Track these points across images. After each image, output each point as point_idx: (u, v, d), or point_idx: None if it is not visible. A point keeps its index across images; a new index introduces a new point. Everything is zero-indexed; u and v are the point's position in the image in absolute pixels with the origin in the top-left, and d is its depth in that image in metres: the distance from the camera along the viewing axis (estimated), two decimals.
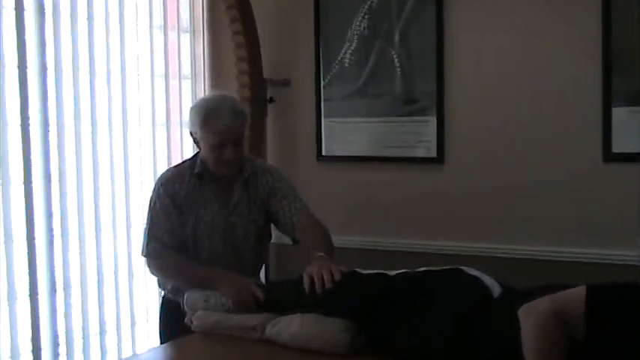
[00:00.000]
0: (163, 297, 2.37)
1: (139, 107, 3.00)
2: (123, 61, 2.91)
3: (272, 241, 2.44)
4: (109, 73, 2.85)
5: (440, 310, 1.75)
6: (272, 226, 2.34)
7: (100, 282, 2.82)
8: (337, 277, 1.93)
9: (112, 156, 2.87)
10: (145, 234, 2.24)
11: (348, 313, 1.88)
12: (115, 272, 2.88)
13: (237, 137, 2.16)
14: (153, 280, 2.54)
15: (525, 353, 1.51)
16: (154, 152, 3.06)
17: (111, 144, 2.87)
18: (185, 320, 2.09)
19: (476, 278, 1.87)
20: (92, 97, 2.79)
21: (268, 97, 3.18)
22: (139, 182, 2.98)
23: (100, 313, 2.82)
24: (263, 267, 2.61)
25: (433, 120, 2.91)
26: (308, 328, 1.88)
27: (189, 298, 2.10)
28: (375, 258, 2.94)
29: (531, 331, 1.50)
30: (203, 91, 3.28)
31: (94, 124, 2.80)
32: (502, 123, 2.81)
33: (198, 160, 2.23)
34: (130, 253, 2.92)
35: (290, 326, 1.90)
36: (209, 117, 2.13)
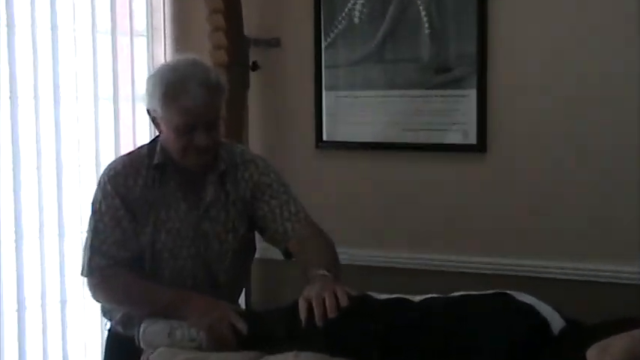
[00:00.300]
0: (109, 330, 2.37)
1: (75, 74, 2.99)
2: (53, 12, 2.88)
3: (256, 255, 2.43)
4: (34, 26, 2.82)
5: (485, 351, 1.75)
6: (256, 235, 2.34)
7: (20, 310, 2.80)
8: (344, 303, 1.90)
9: (38, 141, 2.85)
10: (85, 246, 2.23)
11: (359, 352, 1.85)
12: (42, 297, 2.88)
13: (211, 118, 2.15)
14: (95, 308, 2.54)
15: None
16: (97, 135, 3.05)
17: (37, 124, 2.84)
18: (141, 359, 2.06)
19: (530, 307, 1.86)
20: (11, 59, 2.74)
21: (251, 63, 3.18)
22: (75, 175, 2.98)
23: (20, 351, 2.80)
24: (243, 291, 2.62)
25: (472, 94, 2.90)
26: None
27: (148, 331, 2.08)
28: (392, 278, 2.92)
29: None
30: (163, 53, 3.28)
31: (13, 96, 2.76)
32: (565, 100, 2.80)
33: (158, 147, 2.23)
34: (62, 270, 2.92)
35: None
36: (173, 90, 2.11)
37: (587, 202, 2.82)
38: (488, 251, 2.93)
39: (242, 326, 2.04)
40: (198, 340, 2.06)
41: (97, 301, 2.31)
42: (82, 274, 2.25)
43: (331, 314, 1.90)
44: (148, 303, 2.17)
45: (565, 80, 2.82)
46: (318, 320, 1.90)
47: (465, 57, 2.91)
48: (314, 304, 1.92)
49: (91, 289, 2.25)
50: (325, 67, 3.13)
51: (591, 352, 1.57)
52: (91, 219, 2.24)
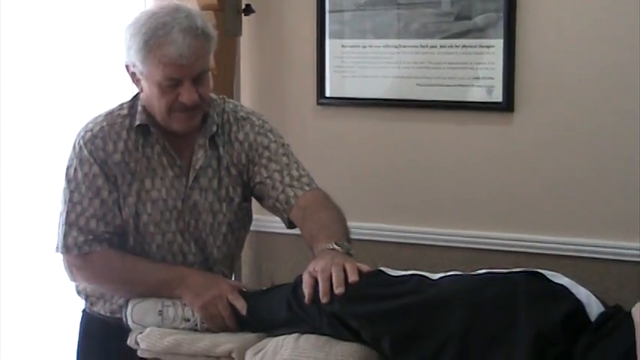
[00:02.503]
0: (84, 311, 2.39)
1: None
2: None
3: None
4: None
5: (510, 342, 1.78)
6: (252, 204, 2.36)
7: None
8: (353, 277, 1.91)
9: None
10: (60, 220, 2.22)
11: (369, 334, 1.88)
12: None
13: (198, 69, 2.13)
14: (65, 286, 2.52)
15: None
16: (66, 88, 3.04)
17: None
18: (128, 342, 2.10)
19: (563, 288, 1.89)
20: None
21: (243, 6, 3.17)
22: (40, 134, 2.96)
23: None
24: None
25: (499, 45, 2.90)
26: (306, 355, 1.88)
27: (136, 309, 2.13)
28: (402, 254, 3.00)
29: None
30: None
31: None
32: (606, 54, 2.79)
33: (139, 107, 2.23)
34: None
35: (280, 352, 1.91)
36: (155, 39, 2.10)
37: (627, 172, 2.81)
38: (511, 225, 2.96)
39: (241, 305, 2.08)
40: (193, 320, 2.12)
41: (75, 281, 2.31)
42: (56, 251, 2.24)
43: (338, 289, 1.90)
44: (135, 282, 2.20)
45: (607, 31, 2.80)
46: (323, 296, 1.91)
47: (491, 1, 2.89)
48: (319, 279, 1.93)
49: (67, 269, 2.25)
50: (329, 11, 3.11)
51: (637, 307, 1.64)
52: (65, 189, 2.23)
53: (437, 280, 1.98)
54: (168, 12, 2.13)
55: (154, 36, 2.10)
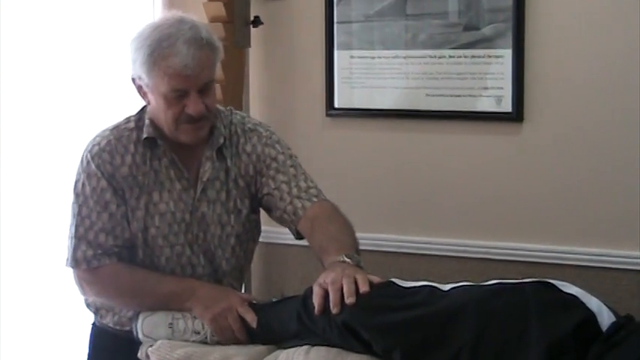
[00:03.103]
0: (94, 324, 2.38)
1: None
2: None
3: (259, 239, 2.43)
4: None
5: (521, 353, 1.77)
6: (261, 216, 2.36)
7: None
8: (364, 288, 1.91)
9: None
10: (69, 234, 2.23)
11: (380, 345, 1.87)
12: None
13: (203, 80, 2.14)
14: (74, 299, 2.51)
15: None
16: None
17: None
18: (139, 354, 2.10)
19: (574, 298, 1.87)
20: None
21: (252, 18, 3.18)
22: (42, 139, 2.93)
23: None
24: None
25: (508, 55, 2.89)
26: None
27: (147, 321, 2.13)
28: (411, 265, 3.00)
29: None
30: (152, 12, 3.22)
31: None
32: (616, 63, 2.78)
33: (147, 120, 2.23)
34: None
35: None
36: (159, 50, 2.11)
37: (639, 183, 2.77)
38: (520, 236, 2.95)
39: (251, 318, 2.08)
40: (203, 333, 2.12)
41: (85, 295, 2.32)
42: (67, 265, 2.25)
43: (349, 299, 1.90)
44: (144, 295, 2.20)
45: (618, 40, 2.79)
46: (334, 306, 1.91)
47: (500, 12, 2.89)
48: (330, 290, 1.93)
49: (77, 283, 2.26)
50: (337, 22, 3.11)
51: None
52: (74, 203, 2.23)
53: (448, 290, 1.98)
54: (172, 24, 2.15)
55: (159, 48, 2.11)
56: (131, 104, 2.38)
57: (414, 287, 2.00)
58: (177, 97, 2.12)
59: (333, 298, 1.91)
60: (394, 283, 2.01)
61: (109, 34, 3.06)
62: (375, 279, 1.96)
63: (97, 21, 3.05)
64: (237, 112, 2.43)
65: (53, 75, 2.97)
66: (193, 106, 2.13)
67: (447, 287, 1.98)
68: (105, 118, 2.62)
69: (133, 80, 2.19)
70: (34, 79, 2.91)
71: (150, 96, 2.17)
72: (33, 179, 2.93)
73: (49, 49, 2.95)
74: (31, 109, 2.92)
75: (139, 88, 2.19)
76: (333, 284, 1.92)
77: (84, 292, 2.28)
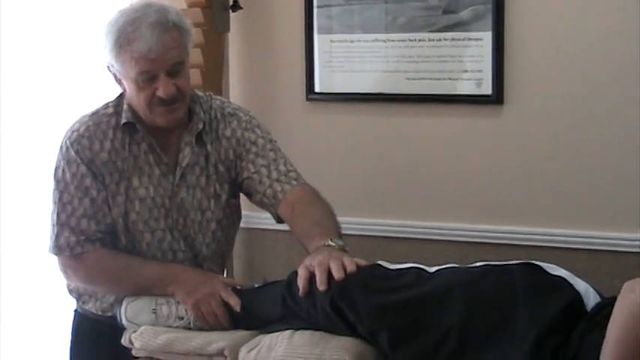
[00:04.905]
0: (76, 311, 2.37)
1: None
2: None
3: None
4: None
5: (510, 336, 1.77)
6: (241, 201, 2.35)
7: None
8: (352, 267, 1.91)
9: None
10: (52, 222, 2.22)
11: (366, 328, 1.86)
12: None
13: (171, 62, 2.13)
14: (57, 285, 2.51)
15: (606, 335, 1.65)
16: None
17: None
18: (122, 340, 2.09)
19: (562, 279, 1.88)
20: None
21: (231, 2, 3.14)
22: (38, 135, 2.94)
23: None
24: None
25: (487, 38, 2.88)
26: (301, 352, 1.86)
27: (130, 307, 2.13)
28: (392, 249, 2.98)
29: (621, 316, 1.64)
30: None
31: None
32: (595, 44, 2.77)
33: (125, 105, 2.23)
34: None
35: (275, 349, 1.89)
36: (124, 35, 2.11)
37: (618, 163, 2.80)
38: (502, 218, 2.94)
39: (235, 302, 2.08)
40: (187, 318, 2.12)
41: (70, 282, 2.31)
42: (50, 252, 2.24)
43: (337, 275, 1.89)
44: (128, 280, 2.20)
45: (597, 21, 2.78)
46: (320, 284, 1.90)
47: None
48: (317, 271, 1.93)
49: (61, 270, 2.25)
50: (317, 6, 3.09)
51: (627, 285, 1.68)
52: (54, 190, 2.23)
53: (434, 272, 1.98)
54: (137, 8, 2.15)
55: (124, 33, 2.11)
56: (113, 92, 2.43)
57: (401, 269, 2.00)
58: (146, 80, 2.12)
59: (319, 276, 1.91)
60: (381, 265, 2.02)
61: (95, 24, 3.05)
62: (362, 262, 1.97)
63: (95, 20, 3.03)
64: (217, 97, 2.42)
65: (53, 75, 2.99)
66: (163, 88, 2.12)
67: (433, 269, 1.99)
68: (90, 105, 2.59)
69: (108, 68, 2.20)
70: (33, 79, 2.94)
71: (123, 82, 2.18)
72: (22, 173, 2.95)
73: (49, 49, 2.97)
74: (31, 109, 2.96)
75: (115, 76, 2.20)
76: (320, 265, 1.93)
77: (68, 279, 2.28)
